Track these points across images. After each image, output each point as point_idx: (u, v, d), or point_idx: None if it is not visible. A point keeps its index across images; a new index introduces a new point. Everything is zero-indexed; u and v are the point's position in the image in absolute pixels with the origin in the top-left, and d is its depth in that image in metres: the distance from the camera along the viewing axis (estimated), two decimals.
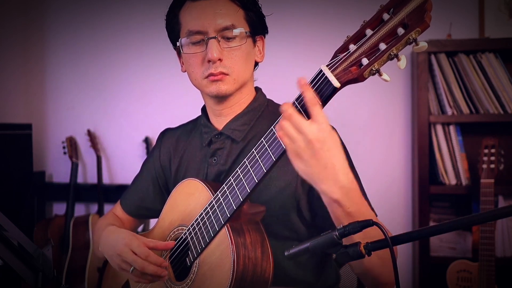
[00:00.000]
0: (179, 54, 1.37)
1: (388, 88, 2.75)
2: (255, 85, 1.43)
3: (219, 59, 1.25)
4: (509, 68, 2.46)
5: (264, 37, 1.39)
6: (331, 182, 0.98)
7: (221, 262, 1.14)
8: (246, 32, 1.28)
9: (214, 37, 1.25)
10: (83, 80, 3.17)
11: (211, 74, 1.27)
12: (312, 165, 0.97)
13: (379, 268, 1.09)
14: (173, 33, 1.36)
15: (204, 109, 1.43)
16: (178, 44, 1.33)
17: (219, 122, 1.37)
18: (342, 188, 0.99)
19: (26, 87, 3.22)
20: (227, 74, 1.27)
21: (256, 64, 1.39)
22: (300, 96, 1.00)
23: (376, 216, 1.15)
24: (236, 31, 1.26)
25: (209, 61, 1.26)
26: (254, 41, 1.34)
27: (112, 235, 1.32)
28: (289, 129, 0.97)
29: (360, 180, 1.19)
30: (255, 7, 1.34)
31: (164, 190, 1.51)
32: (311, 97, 0.96)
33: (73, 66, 3.18)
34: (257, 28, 1.34)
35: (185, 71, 1.36)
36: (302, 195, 1.26)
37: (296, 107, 1.00)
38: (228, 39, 1.27)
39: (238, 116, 1.34)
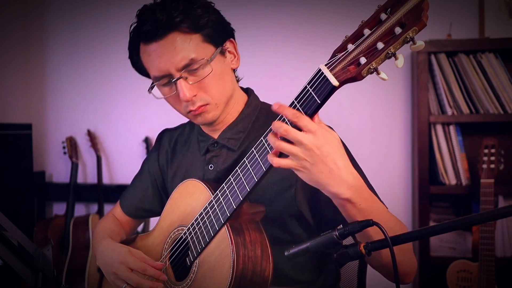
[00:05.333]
0: None
1: (388, 88, 2.75)
2: (252, 86, 1.42)
3: (194, 96, 1.23)
4: (509, 68, 2.46)
5: (234, 37, 1.33)
6: (339, 184, 0.98)
7: (221, 262, 1.14)
8: (209, 59, 1.22)
9: (180, 77, 1.21)
10: (83, 80, 3.17)
11: (191, 111, 1.25)
12: (316, 172, 0.97)
13: (398, 257, 1.07)
14: (143, 72, 1.34)
15: None
16: (149, 91, 1.31)
17: (214, 132, 1.36)
18: (351, 187, 0.99)
19: (26, 87, 3.22)
20: (207, 104, 1.25)
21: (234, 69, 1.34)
22: (298, 96, 1.00)
23: (387, 208, 1.14)
24: (199, 62, 1.21)
25: (184, 101, 1.23)
26: (223, 52, 1.28)
27: (108, 252, 1.31)
28: (287, 147, 0.97)
29: (365, 175, 1.19)
30: (209, 22, 1.24)
31: (163, 192, 1.51)
32: (292, 113, 0.96)
33: (73, 66, 3.18)
34: (221, 38, 1.27)
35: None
36: (303, 201, 1.25)
37: (295, 106, 1.00)
38: (194, 71, 1.22)
39: (233, 124, 1.33)
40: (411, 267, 1.15)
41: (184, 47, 1.21)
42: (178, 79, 1.22)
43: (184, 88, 1.21)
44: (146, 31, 1.22)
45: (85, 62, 3.16)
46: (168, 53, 1.21)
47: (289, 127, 0.96)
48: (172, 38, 1.21)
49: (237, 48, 1.33)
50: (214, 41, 1.25)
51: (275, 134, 1.00)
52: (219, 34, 1.27)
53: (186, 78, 1.22)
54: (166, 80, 1.24)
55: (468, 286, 2.29)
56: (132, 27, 1.29)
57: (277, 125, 0.97)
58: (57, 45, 3.20)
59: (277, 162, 0.99)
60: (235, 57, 1.33)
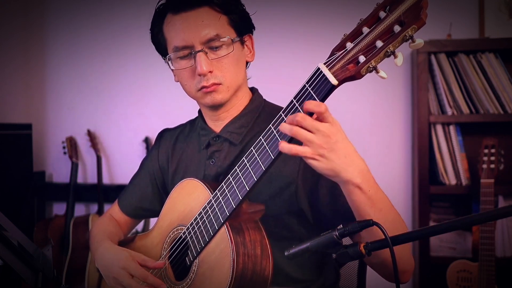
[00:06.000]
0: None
1: (389, 88, 2.75)
2: (250, 85, 1.42)
3: (210, 71, 1.25)
4: (509, 68, 2.46)
5: (252, 34, 1.38)
6: (353, 168, 1.00)
7: (221, 261, 1.14)
8: (232, 39, 1.27)
9: (201, 50, 1.25)
10: (83, 80, 3.17)
11: (204, 87, 1.27)
12: (333, 158, 0.98)
13: (397, 255, 1.07)
14: (160, 47, 1.36)
15: (201, 112, 1.43)
16: (166, 60, 1.33)
17: (217, 125, 1.37)
18: (362, 171, 1.02)
19: (26, 87, 3.22)
20: (220, 84, 1.27)
21: (247, 63, 1.38)
22: (297, 95, 1.00)
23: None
24: (222, 40, 1.25)
25: (199, 74, 1.25)
26: (242, 42, 1.33)
27: (108, 255, 1.31)
28: (304, 133, 0.97)
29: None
30: (238, 8, 1.31)
31: (162, 191, 1.51)
32: (316, 104, 0.96)
33: (73, 66, 3.18)
34: (243, 29, 1.33)
35: (178, 81, 1.36)
36: (303, 198, 1.25)
37: (294, 106, 1.00)
38: (215, 48, 1.26)
39: (236, 118, 1.34)
40: (408, 265, 1.16)
41: (211, 22, 1.26)
42: (199, 51, 1.24)
43: (203, 61, 1.24)
44: (179, 0, 1.27)
45: (85, 62, 3.15)
46: (196, 25, 1.25)
47: (306, 115, 0.97)
48: (202, 12, 1.26)
49: (254, 45, 1.38)
50: (237, 28, 1.30)
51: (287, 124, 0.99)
52: (243, 24, 1.32)
53: (206, 53, 1.25)
54: (186, 53, 1.27)
55: (468, 286, 2.29)
56: None
57: (291, 116, 0.98)
58: (57, 45, 3.20)
59: (290, 148, 0.98)
60: (250, 52, 1.37)
